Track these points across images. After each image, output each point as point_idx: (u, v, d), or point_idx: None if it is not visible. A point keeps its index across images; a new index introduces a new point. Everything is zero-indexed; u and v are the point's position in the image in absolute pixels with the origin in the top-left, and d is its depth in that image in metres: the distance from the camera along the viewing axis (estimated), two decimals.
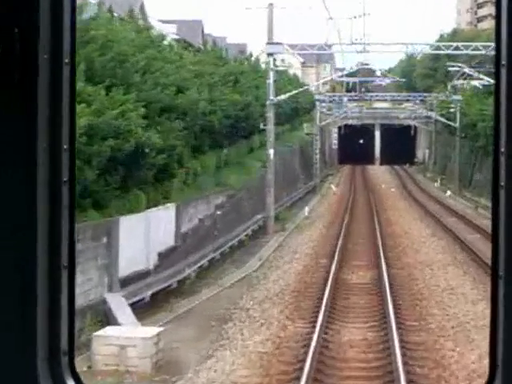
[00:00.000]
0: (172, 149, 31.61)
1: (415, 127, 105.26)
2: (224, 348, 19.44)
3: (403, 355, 17.38)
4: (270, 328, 21.13)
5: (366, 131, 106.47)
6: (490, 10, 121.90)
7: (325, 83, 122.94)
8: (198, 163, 41.09)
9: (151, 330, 19.50)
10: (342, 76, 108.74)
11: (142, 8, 54.36)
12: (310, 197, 65.18)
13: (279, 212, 50.81)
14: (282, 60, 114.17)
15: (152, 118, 30.08)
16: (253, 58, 72.72)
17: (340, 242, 35.58)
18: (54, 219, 2.82)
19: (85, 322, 20.44)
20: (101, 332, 19.04)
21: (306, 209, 53.71)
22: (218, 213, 38.28)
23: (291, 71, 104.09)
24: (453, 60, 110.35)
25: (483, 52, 45.07)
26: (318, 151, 73.37)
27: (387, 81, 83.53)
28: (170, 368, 18.53)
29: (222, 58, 52.85)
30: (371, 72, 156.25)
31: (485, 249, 29.69)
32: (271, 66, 43.46)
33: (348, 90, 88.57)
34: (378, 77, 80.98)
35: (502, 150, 2.82)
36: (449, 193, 66.30)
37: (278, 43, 43.41)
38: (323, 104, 77.61)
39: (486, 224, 35.27)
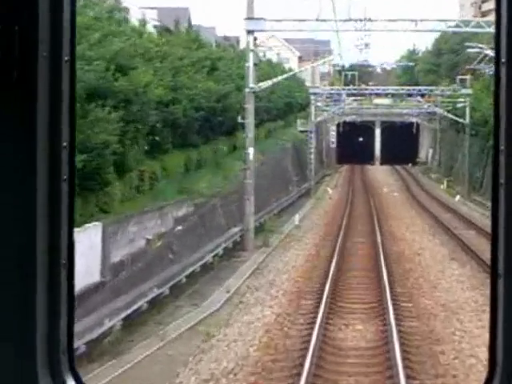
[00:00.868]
0: (103, 147, 22.36)
1: (418, 125, 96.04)
2: None
3: None
4: None
5: (365, 129, 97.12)
6: (494, 4, 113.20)
7: (323, 78, 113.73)
8: (157, 165, 31.81)
9: None
10: (342, 69, 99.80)
11: None
12: (302, 201, 55.85)
13: (265, 221, 41.63)
14: (278, 54, 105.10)
15: None
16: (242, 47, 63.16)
17: (332, 270, 26.23)
18: (53, 217, 2.74)
19: None
20: None
21: (297, 217, 44.39)
22: (179, 228, 29.01)
23: (287, 66, 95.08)
24: (458, 54, 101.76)
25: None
26: (313, 150, 63.96)
27: (392, 65, 74.03)
28: None
29: (198, 42, 43.24)
30: (371, 68, 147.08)
31: None
32: (250, 45, 34.13)
33: (346, 84, 78.93)
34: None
35: (502, 148, 2.77)
36: (458, 197, 57.02)
37: (258, 19, 34.06)
38: (319, 98, 68.02)
39: None
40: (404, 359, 15.83)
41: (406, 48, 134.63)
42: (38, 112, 2.65)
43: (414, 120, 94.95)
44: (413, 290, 23.56)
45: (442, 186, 67.30)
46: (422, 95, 74.95)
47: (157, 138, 30.82)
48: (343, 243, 33.40)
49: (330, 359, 16.39)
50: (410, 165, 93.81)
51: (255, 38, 34.73)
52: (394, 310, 20.19)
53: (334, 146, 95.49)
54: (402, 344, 16.99)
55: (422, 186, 68.95)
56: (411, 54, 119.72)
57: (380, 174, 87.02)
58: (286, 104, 70.93)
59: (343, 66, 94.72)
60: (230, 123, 41.77)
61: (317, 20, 32.84)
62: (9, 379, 2.72)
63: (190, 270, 26.73)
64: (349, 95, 72.37)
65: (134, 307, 20.42)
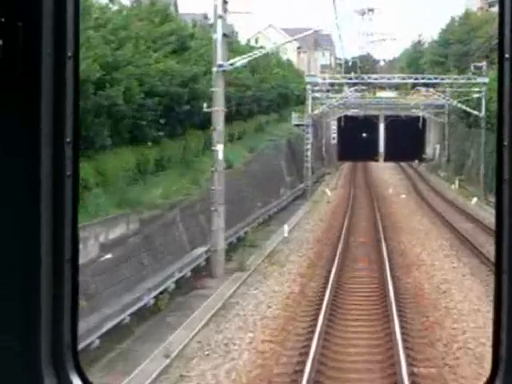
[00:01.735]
0: None
1: (424, 119, 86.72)
2: None
3: None
4: None
5: (368, 123, 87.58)
6: None
7: (323, 71, 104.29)
8: (89, 168, 22.67)
9: None
10: (344, 61, 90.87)
11: None
12: (296, 206, 46.68)
13: (246, 233, 32.62)
14: (274, 43, 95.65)
15: None
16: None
17: (318, 330, 16.93)
18: (57, 213, 2.68)
19: None
20: None
21: (286, 227, 35.27)
22: (107, 258, 19.89)
23: (285, 56, 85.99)
24: (467, 44, 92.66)
25: None
26: (309, 146, 54.63)
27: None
28: None
29: (162, 14, 33.77)
30: (374, 62, 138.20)
31: None
32: (219, 10, 24.93)
33: (348, 73, 69.43)
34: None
35: (505, 143, 2.69)
36: (475, 200, 47.74)
37: None
38: (316, 88, 58.71)
39: None
40: None
41: (411, 40, 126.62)
42: (41, 108, 2.59)
43: (420, 114, 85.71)
44: (444, 373, 14.15)
45: (453, 186, 58.13)
46: (431, 85, 65.88)
47: (86, 132, 21.70)
48: (339, 271, 24.22)
49: None
50: (416, 162, 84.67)
51: (225, 1, 25.53)
52: None
53: (334, 141, 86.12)
54: None
55: (432, 186, 59.76)
56: (416, 46, 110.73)
57: (384, 171, 77.74)
58: (280, 95, 61.70)
59: (345, 60, 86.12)
60: (201, 113, 32.53)
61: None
62: (14, 375, 2.64)
63: (114, 322, 17.59)
64: (350, 85, 63.06)
65: None
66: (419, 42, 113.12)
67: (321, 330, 16.74)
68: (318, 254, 28.78)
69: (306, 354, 14.94)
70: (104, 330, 16.91)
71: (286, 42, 62.50)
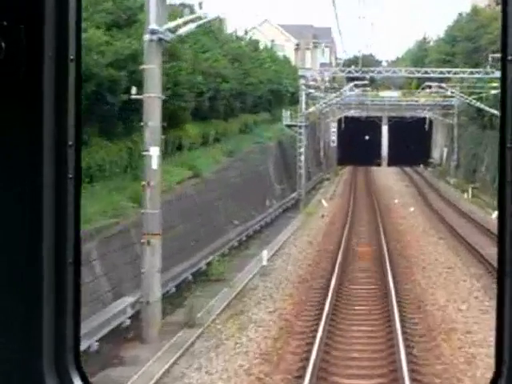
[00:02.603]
0: None
1: (430, 120, 77.94)
2: None
3: None
4: None
5: (371, 125, 78.65)
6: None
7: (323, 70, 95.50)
8: None
9: None
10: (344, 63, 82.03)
11: None
12: (285, 220, 37.81)
13: (210, 263, 23.89)
14: (272, 41, 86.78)
15: None
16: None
17: None
18: (59, 216, 2.58)
19: None
20: None
21: (265, 253, 26.39)
22: None
23: (281, 53, 76.99)
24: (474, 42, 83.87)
25: None
26: (303, 150, 45.70)
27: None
28: None
29: None
30: (377, 63, 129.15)
31: None
32: None
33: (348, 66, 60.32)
34: None
35: (509, 145, 2.60)
36: (495, 214, 38.73)
37: None
38: (311, 83, 49.73)
39: None
40: None
41: (415, 39, 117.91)
42: (43, 111, 2.53)
43: (426, 115, 76.94)
44: None
45: (465, 195, 49.28)
46: (441, 81, 57.30)
47: None
48: (328, 337, 15.33)
49: None
50: (421, 166, 75.93)
51: None
52: None
53: (334, 144, 77.19)
54: None
55: (442, 196, 50.83)
56: (421, 44, 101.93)
57: (388, 177, 68.72)
58: (272, 92, 52.74)
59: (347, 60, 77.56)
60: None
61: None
62: (16, 378, 2.57)
63: None
64: (350, 79, 54.18)
65: None
66: (424, 39, 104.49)
67: None
68: (299, 300, 19.84)
69: None
70: None
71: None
